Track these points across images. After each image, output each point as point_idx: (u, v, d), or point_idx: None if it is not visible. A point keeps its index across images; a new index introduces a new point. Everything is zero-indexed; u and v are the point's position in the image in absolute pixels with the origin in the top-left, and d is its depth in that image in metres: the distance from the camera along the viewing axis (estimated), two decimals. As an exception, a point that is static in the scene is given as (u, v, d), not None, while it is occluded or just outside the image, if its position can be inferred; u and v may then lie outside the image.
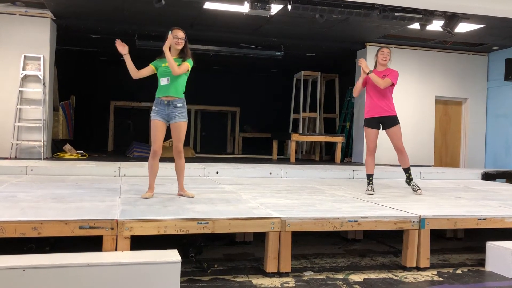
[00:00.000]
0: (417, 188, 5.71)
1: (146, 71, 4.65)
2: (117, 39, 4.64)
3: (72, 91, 11.66)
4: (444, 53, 10.62)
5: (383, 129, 5.66)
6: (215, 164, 7.72)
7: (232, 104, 13.79)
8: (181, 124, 4.59)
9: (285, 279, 3.56)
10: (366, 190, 5.60)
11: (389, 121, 5.58)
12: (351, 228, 3.96)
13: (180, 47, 4.56)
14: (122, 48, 4.58)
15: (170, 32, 4.56)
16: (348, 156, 11.33)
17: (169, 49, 4.54)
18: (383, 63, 5.56)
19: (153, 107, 4.60)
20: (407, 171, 5.75)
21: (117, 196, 4.53)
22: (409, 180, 5.78)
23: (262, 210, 3.98)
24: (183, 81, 4.61)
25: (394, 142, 5.62)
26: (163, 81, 4.55)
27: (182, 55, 4.57)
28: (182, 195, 4.74)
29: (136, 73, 4.62)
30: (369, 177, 5.70)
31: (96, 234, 3.29)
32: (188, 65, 4.54)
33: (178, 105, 4.57)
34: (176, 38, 4.53)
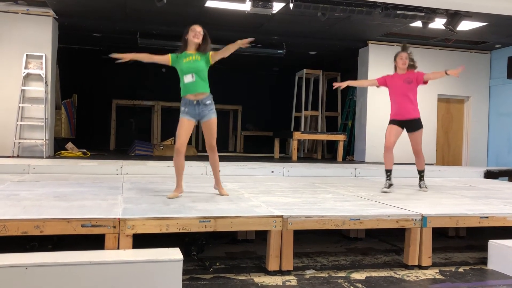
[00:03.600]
0: (424, 187, 5.80)
1: (159, 59, 4.51)
2: (111, 54, 4.55)
3: (74, 89, 11.67)
4: (446, 51, 10.59)
5: (407, 131, 5.72)
6: (217, 163, 7.70)
7: (234, 103, 13.77)
8: (212, 121, 4.56)
9: (287, 277, 3.56)
10: (382, 187, 5.60)
11: (413, 125, 5.67)
12: (353, 227, 3.96)
13: (197, 40, 4.45)
14: (122, 57, 4.51)
15: (188, 27, 4.49)
16: (350, 155, 11.32)
17: (186, 44, 4.46)
18: (403, 67, 5.62)
19: (182, 108, 4.49)
20: (420, 172, 5.90)
21: (119, 195, 4.53)
22: (420, 181, 5.91)
23: (264, 208, 3.98)
24: (206, 74, 4.50)
25: (415, 146, 5.74)
26: (187, 78, 4.41)
27: (201, 50, 4.46)
28: (217, 190, 4.78)
29: (148, 58, 4.52)
30: (388, 172, 5.69)
31: (98, 232, 3.30)
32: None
33: (207, 102, 4.51)
34: (193, 31, 4.44)
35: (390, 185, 5.60)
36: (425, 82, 5.65)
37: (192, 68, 4.42)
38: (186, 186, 5.41)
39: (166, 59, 4.52)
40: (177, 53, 4.54)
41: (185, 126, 4.49)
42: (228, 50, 4.46)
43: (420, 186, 5.87)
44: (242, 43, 4.41)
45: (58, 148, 9.31)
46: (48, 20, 8.53)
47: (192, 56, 4.48)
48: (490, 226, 4.31)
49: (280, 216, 3.67)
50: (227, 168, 7.23)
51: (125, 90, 13.24)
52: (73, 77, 12.18)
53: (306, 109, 11.89)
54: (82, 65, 12.95)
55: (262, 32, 9.68)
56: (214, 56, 4.50)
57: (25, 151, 8.42)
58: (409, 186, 6.29)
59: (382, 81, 5.74)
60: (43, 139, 8.36)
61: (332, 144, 11.74)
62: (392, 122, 5.74)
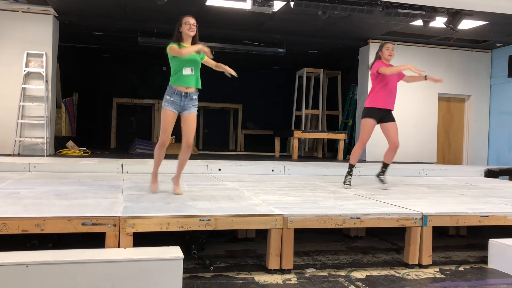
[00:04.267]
0: (385, 183, 5.73)
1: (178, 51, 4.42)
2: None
3: (75, 88, 11.68)
4: (447, 50, 10.58)
5: (382, 122, 5.62)
6: (217, 161, 7.73)
7: (234, 101, 13.78)
8: (194, 116, 4.53)
9: (287, 276, 3.56)
10: (345, 183, 5.72)
11: (389, 116, 5.61)
12: (353, 225, 3.96)
13: (193, 33, 4.46)
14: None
15: (181, 20, 4.47)
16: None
17: (183, 39, 4.45)
18: (389, 58, 5.60)
19: (167, 97, 4.44)
20: (386, 167, 5.78)
21: (119, 193, 4.54)
22: (382, 174, 5.80)
23: (264, 207, 3.99)
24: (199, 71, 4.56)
25: (394, 137, 5.60)
26: (186, 71, 4.41)
27: (193, 43, 4.48)
28: (173, 185, 4.71)
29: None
30: (352, 167, 5.79)
31: (99, 230, 3.30)
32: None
33: (194, 97, 4.52)
34: (188, 24, 4.43)
35: (350, 181, 5.74)
36: (400, 78, 5.64)
37: (194, 62, 4.45)
38: (186, 184, 5.42)
39: (186, 51, 4.44)
40: (180, 43, 4.49)
41: (171, 120, 4.46)
42: (211, 64, 4.66)
43: (383, 182, 5.75)
44: (226, 70, 4.61)
45: (58, 146, 9.31)
46: (49, 18, 8.53)
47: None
48: (491, 225, 4.31)
49: (281, 214, 3.67)
50: (228, 167, 7.23)
51: (125, 89, 13.25)
52: (74, 76, 12.19)
53: (306, 107, 11.88)
54: (83, 64, 12.96)
55: (263, 31, 9.67)
56: (207, 60, 4.63)
57: (25, 150, 8.43)
58: (410, 185, 6.29)
59: (376, 72, 5.67)
60: (43, 138, 8.36)
61: (333, 143, 11.74)
62: (370, 114, 5.58)
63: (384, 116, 5.59)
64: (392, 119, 5.62)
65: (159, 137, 4.58)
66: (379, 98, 5.57)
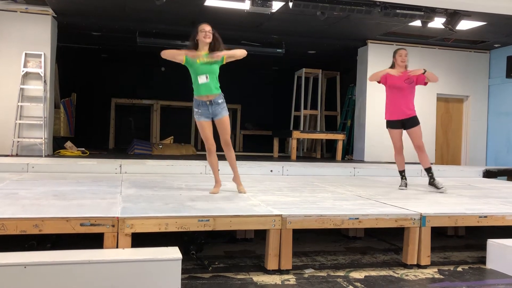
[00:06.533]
0: (441, 186, 5.64)
1: (175, 55, 4.54)
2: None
3: (73, 88, 11.66)
4: (445, 51, 10.59)
5: (405, 129, 5.75)
6: (216, 162, 7.70)
7: (233, 102, 13.71)
8: (225, 119, 4.67)
9: (286, 276, 3.56)
10: (399, 186, 5.92)
11: (410, 122, 5.70)
12: (352, 226, 3.96)
13: (209, 40, 4.51)
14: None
15: (197, 28, 4.54)
16: (349, 154, 11.32)
17: (198, 45, 4.50)
18: (402, 64, 5.66)
19: (196, 109, 4.64)
20: (429, 171, 5.74)
21: (118, 194, 4.53)
22: (432, 179, 5.71)
23: (263, 207, 3.98)
24: (217, 76, 4.60)
25: (415, 141, 5.75)
26: (201, 79, 4.50)
27: (214, 49, 4.52)
28: (236, 185, 4.93)
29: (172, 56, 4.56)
30: (401, 173, 5.97)
31: (97, 231, 3.30)
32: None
33: (219, 101, 4.61)
34: (203, 31, 4.48)
35: (406, 184, 5.90)
36: (426, 83, 5.64)
37: (207, 69, 4.49)
38: (184, 185, 5.42)
39: (181, 58, 4.56)
40: (191, 51, 4.56)
41: (207, 128, 4.66)
42: (235, 57, 4.68)
43: (438, 187, 5.61)
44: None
45: (57, 147, 9.30)
46: (47, 18, 8.52)
47: (204, 56, 4.53)
48: (489, 226, 4.32)
49: (279, 215, 3.67)
50: (227, 167, 7.21)
51: (124, 89, 13.22)
52: (72, 76, 12.17)
53: (305, 108, 11.88)
54: (81, 64, 12.94)
55: (262, 31, 9.67)
56: (228, 59, 4.65)
57: (24, 150, 8.41)
58: (408, 185, 6.29)
59: (383, 78, 5.72)
60: (42, 138, 8.35)
61: (331, 143, 11.75)
62: (390, 125, 5.79)
63: (405, 123, 5.72)
64: (412, 125, 5.70)
65: (205, 145, 4.81)
66: (389, 110, 5.77)
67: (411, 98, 5.71)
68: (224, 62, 4.63)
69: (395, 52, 5.75)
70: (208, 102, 4.55)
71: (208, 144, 4.74)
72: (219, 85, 4.64)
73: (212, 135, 4.72)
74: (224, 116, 4.67)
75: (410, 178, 7.45)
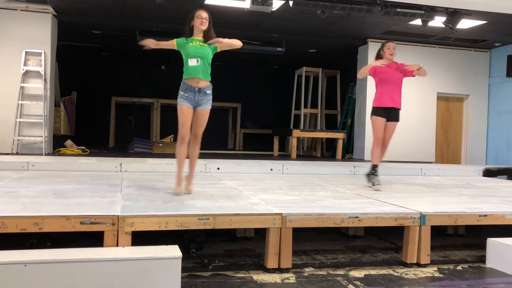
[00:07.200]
0: (376, 184, 5.55)
1: (165, 44, 4.52)
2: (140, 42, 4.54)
3: (73, 86, 11.67)
4: (446, 50, 10.59)
5: (387, 120, 5.67)
6: (216, 160, 7.72)
7: (233, 100, 13.76)
8: (207, 111, 4.55)
9: (286, 275, 3.57)
10: (374, 184, 5.54)
11: (394, 115, 5.65)
12: (351, 224, 3.96)
13: (204, 27, 4.47)
14: (148, 44, 4.47)
15: (193, 13, 4.52)
16: (349, 153, 11.33)
17: (192, 31, 4.47)
18: (390, 58, 5.60)
19: (181, 93, 4.46)
20: (375, 167, 5.69)
21: (118, 192, 4.53)
22: (372, 175, 5.67)
23: (263, 206, 3.99)
24: (210, 61, 4.52)
25: (387, 136, 5.68)
26: (192, 62, 4.42)
27: (206, 38, 4.48)
28: (186, 184, 4.66)
29: (155, 45, 4.49)
30: (376, 168, 5.67)
31: (97, 229, 3.30)
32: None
33: (208, 92, 4.52)
34: (199, 18, 4.45)
35: (379, 182, 5.58)
36: (414, 75, 5.63)
37: (199, 53, 4.44)
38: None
39: (171, 43, 4.52)
40: (184, 36, 4.54)
41: (188, 114, 4.47)
42: (232, 46, 4.58)
43: (373, 183, 5.56)
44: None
45: (57, 145, 9.30)
46: (47, 17, 8.52)
47: (198, 41, 4.49)
48: (489, 224, 4.31)
49: (279, 213, 3.67)
50: (226, 166, 7.23)
51: (124, 88, 13.22)
52: (73, 74, 12.17)
53: (305, 107, 11.89)
54: (82, 62, 12.94)
55: (262, 30, 9.66)
56: (223, 48, 4.59)
57: (24, 148, 8.41)
58: (408, 184, 6.30)
59: (373, 71, 5.67)
60: (42, 136, 8.35)
61: (331, 142, 11.75)
62: (376, 112, 5.65)
63: (390, 114, 5.64)
64: (394, 119, 5.66)
65: (178, 132, 4.54)
66: (381, 97, 5.63)
67: (400, 89, 5.65)
68: (219, 50, 4.57)
69: (383, 45, 5.67)
70: (196, 89, 4.44)
71: (182, 132, 4.47)
72: (210, 71, 4.53)
73: (190, 124, 4.50)
74: (207, 108, 4.53)
75: (410, 177, 7.46)
